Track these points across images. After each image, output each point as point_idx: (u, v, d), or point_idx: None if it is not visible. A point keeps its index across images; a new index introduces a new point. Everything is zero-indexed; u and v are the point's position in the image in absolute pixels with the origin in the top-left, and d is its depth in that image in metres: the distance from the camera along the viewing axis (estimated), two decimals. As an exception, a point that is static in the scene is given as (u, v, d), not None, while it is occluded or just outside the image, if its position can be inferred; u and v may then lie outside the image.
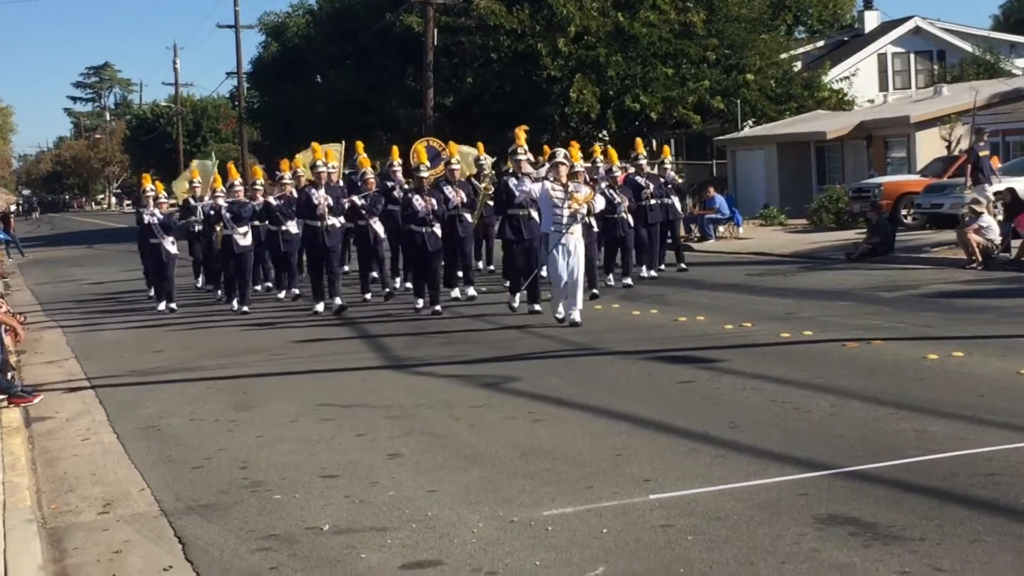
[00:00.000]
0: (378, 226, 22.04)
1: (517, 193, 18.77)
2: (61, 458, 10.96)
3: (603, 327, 17.05)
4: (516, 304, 18.71)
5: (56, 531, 8.56)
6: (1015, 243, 23.55)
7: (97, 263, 40.97)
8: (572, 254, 17.13)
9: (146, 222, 23.54)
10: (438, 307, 19.53)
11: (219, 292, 23.85)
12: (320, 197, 20.66)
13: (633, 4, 45.70)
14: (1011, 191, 26.58)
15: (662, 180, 24.20)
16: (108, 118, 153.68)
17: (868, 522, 7.51)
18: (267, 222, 23.11)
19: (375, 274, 22.73)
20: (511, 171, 19.89)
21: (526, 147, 19.85)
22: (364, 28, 51.82)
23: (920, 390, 11.52)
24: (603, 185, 20.34)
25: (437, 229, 19.63)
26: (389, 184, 23.01)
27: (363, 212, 21.65)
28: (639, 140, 25.81)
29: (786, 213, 38.61)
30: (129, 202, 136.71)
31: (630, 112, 44.80)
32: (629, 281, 22.30)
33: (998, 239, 23.55)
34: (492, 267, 25.51)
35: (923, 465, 8.77)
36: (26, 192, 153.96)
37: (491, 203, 22.25)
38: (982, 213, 24.07)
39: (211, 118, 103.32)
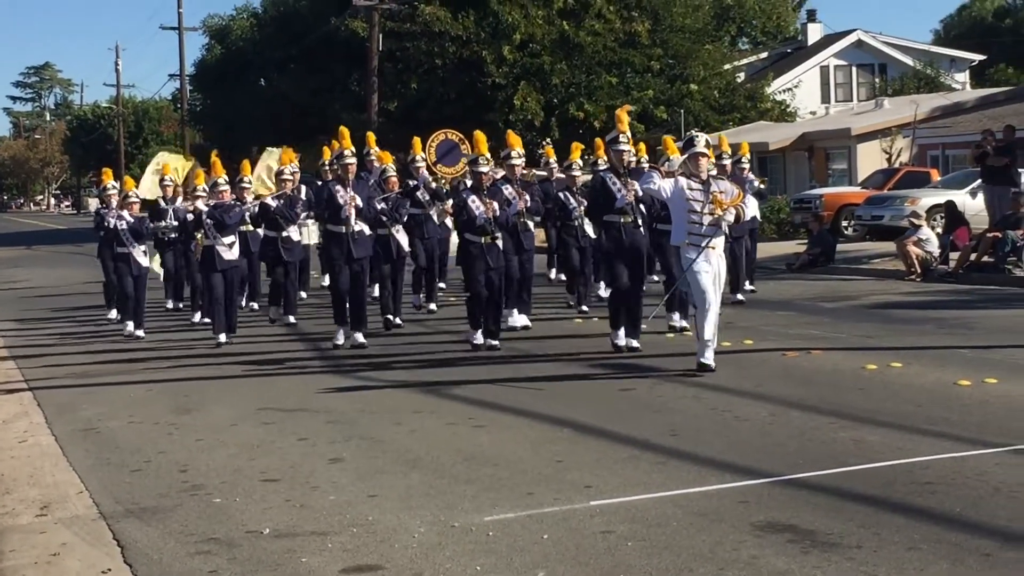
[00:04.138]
0: (402, 236, 18.56)
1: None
2: (-2, 460, 10.87)
3: (547, 334, 17.08)
4: (621, 342, 14.98)
5: (-8, 533, 8.49)
6: (953, 255, 23.81)
7: (36, 264, 40.57)
8: (715, 277, 13.30)
9: (111, 226, 19.07)
10: (496, 341, 15.72)
11: (198, 316, 19.89)
12: (347, 196, 16.41)
13: (578, 13, 45.86)
14: (950, 204, 26.87)
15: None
16: (48, 118, 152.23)
17: (806, 529, 7.57)
18: (261, 228, 19.69)
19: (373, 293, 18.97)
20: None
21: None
22: (309, 32, 51.70)
23: (859, 400, 11.62)
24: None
25: (500, 241, 15.93)
26: (412, 183, 19.81)
27: (383, 218, 17.82)
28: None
29: (728, 223, 38.74)
30: (68, 203, 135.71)
31: (574, 120, 44.93)
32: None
33: (937, 251, 23.80)
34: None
35: (861, 474, 8.85)
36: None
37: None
38: (921, 225, 24.33)
39: (153, 120, 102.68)
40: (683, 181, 13.24)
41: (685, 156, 13.55)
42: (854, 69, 56.42)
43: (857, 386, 12.39)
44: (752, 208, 13.85)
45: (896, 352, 14.29)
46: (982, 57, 59.95)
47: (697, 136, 13.76)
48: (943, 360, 13.84)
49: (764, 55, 57.78)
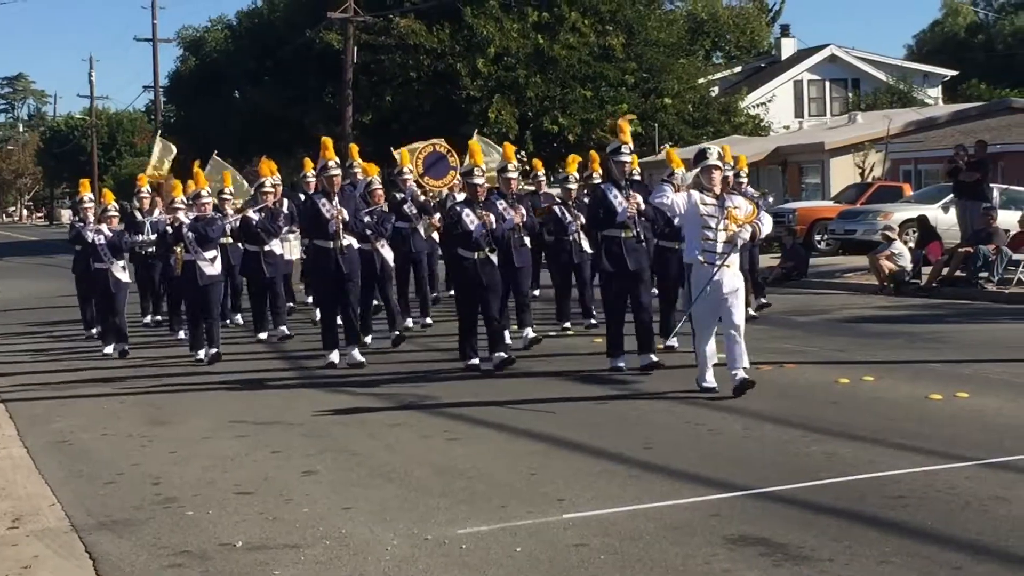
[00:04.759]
0: (387, 251, 17.70)
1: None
2: (-31, 472, 10.82)
3: (522, 347, 17.03)
4: (622, 364, 14.43)
5: (-36, 546, 8.45)
6: (925, 270, 23.92)
7: (7, 276, 40.34)
8: (730, 296, 12.56)
9: (89, 240, 18.15)
10: (506, 355, 14.94)
11: (181, 332, 19.01)
12: (333, 209, 15.66)
13: (553, 26, 45.97)
14: (922, 218, 27.00)
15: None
16: (21, 129, 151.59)
17: (778, 542, 7.59)
18: (243, 242, 19.18)
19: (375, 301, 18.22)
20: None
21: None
22: (283, 44, 51.70)
23: (831, 413, 11.66)
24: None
25: (495, 256, 15.18)
26: (399, 196, 19.43)
27: (368, 233, 16.85)
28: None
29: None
30: (41, 215, 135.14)
31: (548, 133, 45.04)
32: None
33: (909, 266, 23.89)
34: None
35: (833, 487, 8.88)
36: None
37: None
38: (894, 240, 24.44)
39: (127, 131, 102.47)
40: (696, 196, 12.53)
41: (697, 169, 12.72)
42: (827, 84, 56.70)
43: (829, 400, 12.43)
44: (768, 225, 12.96)
45: (868, 366, 14.34)
46: (954, 72, 60.32)
47: (709, 148, 13.04)
48: (915, 374, 13.90)
49: (738, 69, 58.01)
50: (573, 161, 19.89)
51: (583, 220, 18.05)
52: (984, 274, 22.75)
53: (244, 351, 17.87)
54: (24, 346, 19.99)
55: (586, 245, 18.45)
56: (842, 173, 40.98)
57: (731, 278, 12.51)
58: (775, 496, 8.71)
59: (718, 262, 12.35)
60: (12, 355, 18.84)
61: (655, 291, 16.41)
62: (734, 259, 12.62)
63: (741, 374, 12.40)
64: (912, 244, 25.66)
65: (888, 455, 9.81)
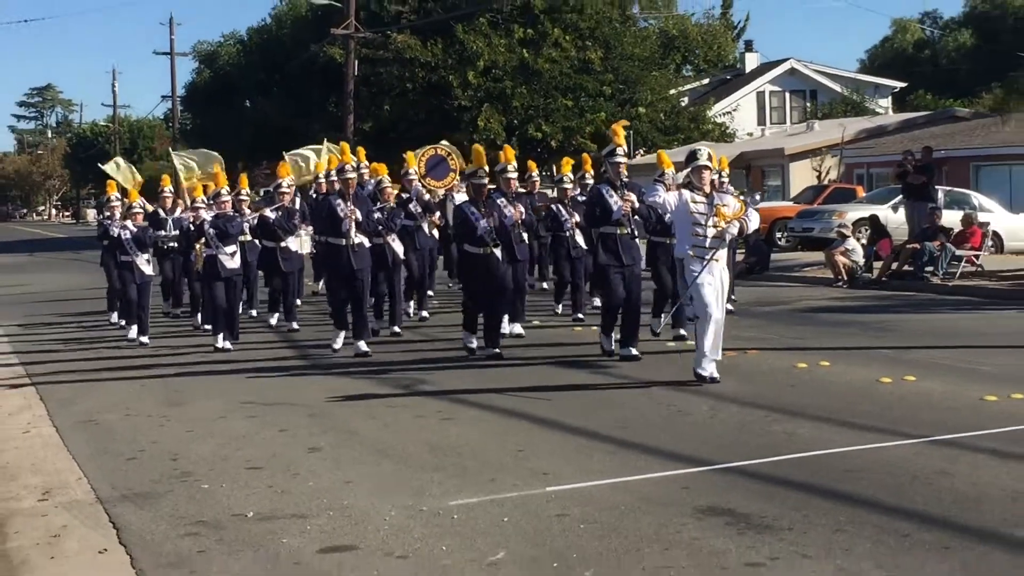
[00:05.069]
0: (397, 245, 17.56)
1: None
2: (3, 449, 10.76)
3: (532, 341, 16.84)
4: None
5: (-2, 517, 8.44)
6: (876, 265, 23.97)
7: (38, 270, 40.26)
8: (718, 290, 12.39)
9: (115, 235, 18.34)
10: (497, 349, 14.79)
11: (199, 320, 18.98)
12: (347, 209, 15.53)
13: (537, 41, 45.94)
14: (874, 217, 27.03)
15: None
16: (50, 135, 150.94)
17: (743, 513, 7.61)
18: (260, 239, 18.98)
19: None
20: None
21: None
22: (290, 58, 51.63)
23: (791, 395, 11.68)
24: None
25: (499, 251, 14.93)
26: (405, 196, 19.21)
27: (379, 228, 16.60)
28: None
29: (672, 234, 38.80)
30: (68, 214, 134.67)
31: (533, 140, 44.99)
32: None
33: (862, 261, 23.93)
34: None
35: (793, 462, 8.90)
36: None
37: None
38: (848, 237, 24.48)
39: (147, 138, 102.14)
40: (687, 194, 12.43)
41: (689, 169, 12.63)
42: (787, 95, 56.72)
43: (789, 383, 12.45)
44: (754, 221, 12.65)
45: (824, 352, 14.37)
46: (903, 84, 60.39)
47: (700, 150, 12.85)
48: (867, 359, 13.93)
49: (706, 81, 57.97)
50: (567, 163, 19.89)
51: (578, 218, 18.09)
52: (930, 268, 22.81)
53: (256, 340, 17.83)
54: (54, 335, 19.92)
55: (581, 241, 18.38)
56: (801, 176, 41.08)
57: (719, 272, 12.37)
58: (740, 471, 8.72)
59: (707, 256, 12.20)
60: (43, 343, 18.77)
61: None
62: (722, 253, 12.48)
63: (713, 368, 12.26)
64: (864, 241, 25.67)
65: (842, 433, 9.83)
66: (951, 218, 25.59)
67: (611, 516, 7.67)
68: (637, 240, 14.49)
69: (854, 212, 30.29)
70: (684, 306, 13.66)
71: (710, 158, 12.65)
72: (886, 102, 57.60)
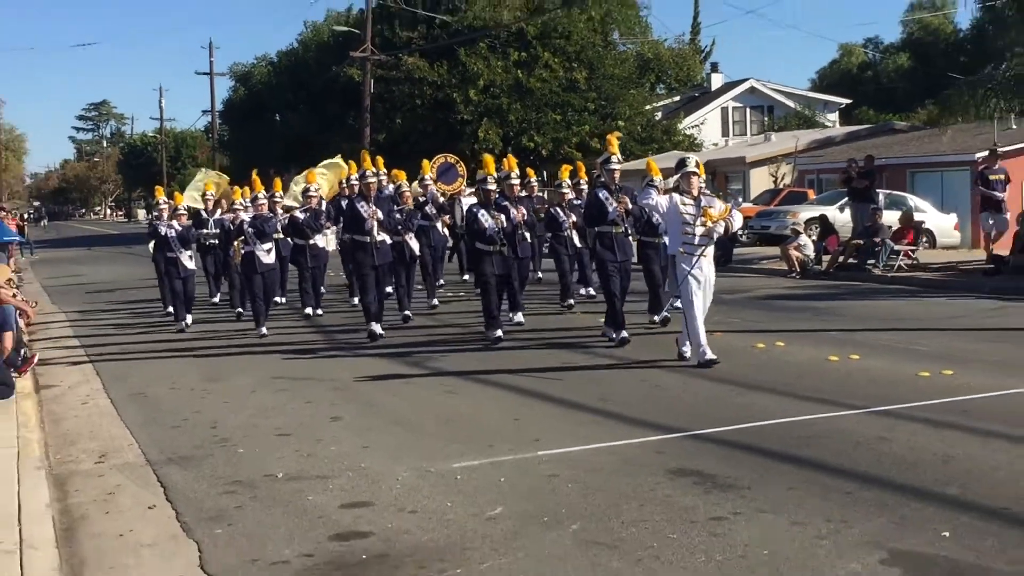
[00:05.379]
0: (413, 242, 17.59)
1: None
2: (65, 418, 10.80)
3: (504, 321, 16.91)
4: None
5: (60, 477, 8.43)
6: (825, 258, 23.96)
7: (95, 262, 40.21)
8: (704, 282, 12.22)
9: (162, 234, 18.18)
10: (499, 333, 14.49)
11: (239, 310, 18.91)
12: (369, 209, 15.41)
13: (530, 63, 45.93)
14: (823, 217, 27.03)
15: None
16: (105, 145, 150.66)
17: (709, 474, 7.62)
18: (291, 237, 19.04)
19: (389, 289, 17.36)
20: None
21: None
22: (314, 78, 51.54)
23: (751, 372, 11.68)
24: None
25: (506, 249, 14.72)
26: (421, 199, 19.15)
27: (399, 227, 16.46)
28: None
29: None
30: (121, 213, 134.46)
31: (526, 149, 44.92)
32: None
33: (812, 254, 23.93)
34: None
35: (753, 430, 8.91)
36: (36, 203, 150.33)
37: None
38: (800, 233, 24.48)
39: (189, 147, 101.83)
40: (677, 197, 12.26)
41: (678, 175, 12.41)
42: (748, 110, 56.63)
43: (749, 361, 12.44)
44: (738, 221, 12.54)
45: (780, 334, 14.37)
46: (849, 101, 60.32)
47: (689, 158, 12.65)
48: (817, 341, 13.93)
49: (677, 98, 57.89)
50: (565, 170, 19.81)
51: (575, 219, 18.00)
52: (872, 261, 22.79)
53: (286, 325, 17.82)
54: (109, 320, 19.92)
55: (577, 241, 18.33)
56: (759, 181, 41.06)
57: (707, 267, 12.23)
58: (707, 437, 8.72)
59: (696, 252, 12.08)
60: (99, 327, 18.77)
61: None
62: (710, 250, 12.28)
63: (706, 353, 11.93)
64: (815, 237, 25.64)
65: (796, 405, 9.84)
66: (890, 217, 25.55)
67: (595, 477, 7.68)
68: (630, 238, 14.38)
69: (806, 212, 30.27)
70: (673, 297, 13.44)
71: (697, 165, 12.48)
72: (834, 116, 57.53)
